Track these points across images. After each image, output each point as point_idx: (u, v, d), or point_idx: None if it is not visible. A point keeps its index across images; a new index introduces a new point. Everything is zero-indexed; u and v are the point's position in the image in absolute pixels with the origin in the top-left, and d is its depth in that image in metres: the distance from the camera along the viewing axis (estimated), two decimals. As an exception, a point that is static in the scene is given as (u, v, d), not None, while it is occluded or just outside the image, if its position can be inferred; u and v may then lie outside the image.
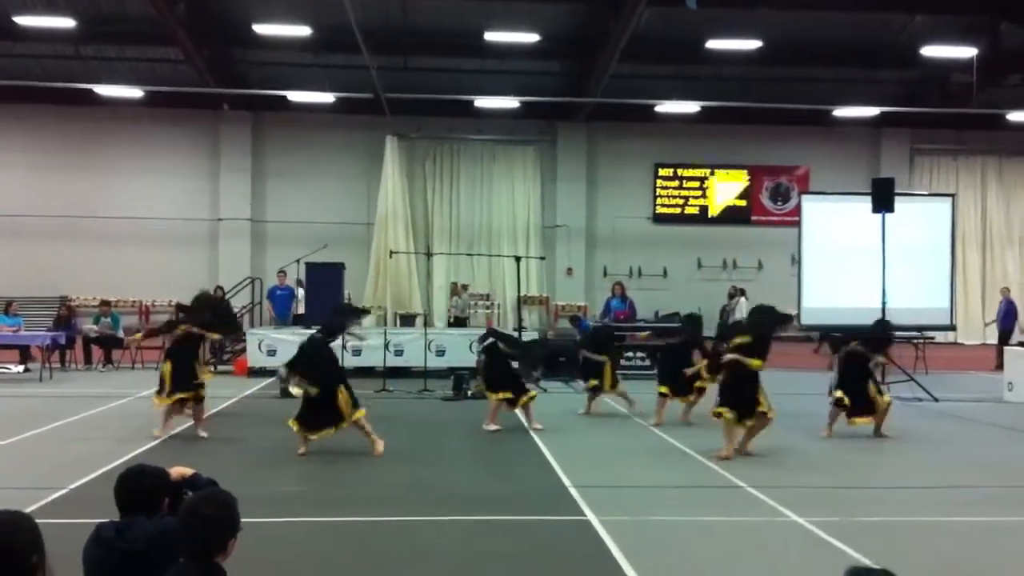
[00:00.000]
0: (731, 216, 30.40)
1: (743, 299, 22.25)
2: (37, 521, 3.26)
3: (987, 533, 7.60)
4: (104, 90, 26.69)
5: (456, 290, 24.53)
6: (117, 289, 26.65)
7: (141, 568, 3.64)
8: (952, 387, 17.43)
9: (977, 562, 6.89)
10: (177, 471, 4.03)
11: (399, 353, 18.87)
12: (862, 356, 12.49)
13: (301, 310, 21.10)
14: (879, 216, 16.52)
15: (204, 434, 11.75)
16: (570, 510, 8.03)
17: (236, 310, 21.60)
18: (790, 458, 10.80)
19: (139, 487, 3.86)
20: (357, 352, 17.86)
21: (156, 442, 10.99)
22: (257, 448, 11.13)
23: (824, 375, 19.80)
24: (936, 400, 15.52)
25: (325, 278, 19.18)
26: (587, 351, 14.49)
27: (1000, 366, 18.88)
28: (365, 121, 28.24)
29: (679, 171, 30.43)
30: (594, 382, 14.20)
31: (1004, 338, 22.25)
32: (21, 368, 18.37)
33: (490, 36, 24.11)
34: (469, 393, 15.79)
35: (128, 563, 3.66)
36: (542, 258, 27.80)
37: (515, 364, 13.21)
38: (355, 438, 11.26)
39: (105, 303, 21.80)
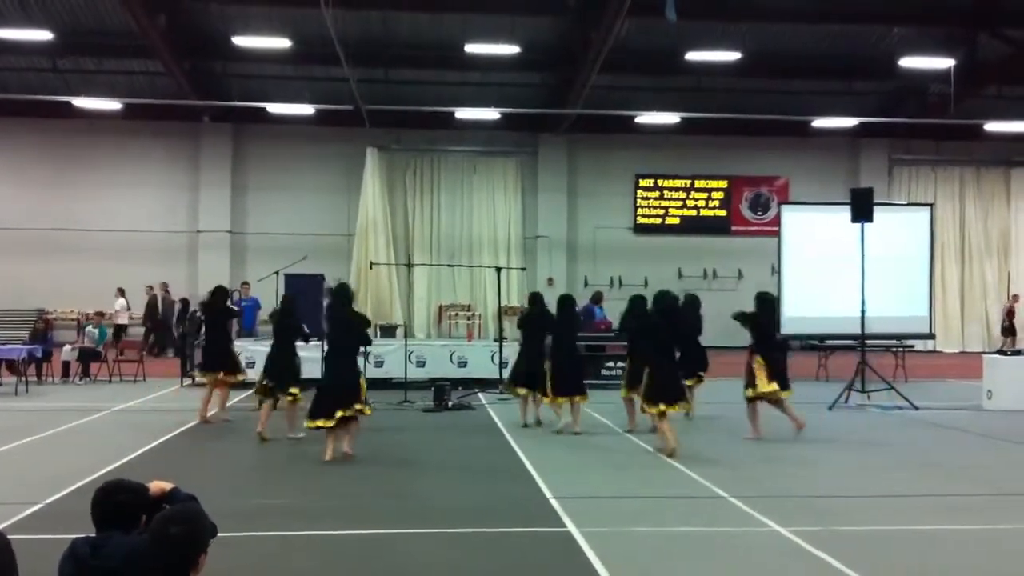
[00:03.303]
0: (711, 226, 30.52)
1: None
2: (12, 537, 3.21)
3: (968, 542, 7.60)
4: (83, 103, 26.57)
5: None
6: (95, 302, 26.49)
7: None
8: (932, 395, 17.48)
9: (956, 571, 6.88)
10: (156, 486, 3.96)
11: (379, 364, 18.75)
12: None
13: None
14: (858, 226, 16.57)
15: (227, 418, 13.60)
16: (551, 522, 7.98)
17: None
18: (770, 467, 10.78)
19: (116, 502, 3.79)
20: None
21: (134, 456, 10.87)
22: (234, 460, 11.06)
23: (812, 383, 19.91)
24: (916, 408, 15.56)
25: (305, 290, 19.04)
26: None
27: None
28: (345, 133, 28.22)
29: (660, 181, 30.55)
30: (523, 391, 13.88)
31: None
32: (-3, 382, 18.17)
33: (470, 48, 24.14)
34: (451, 404, 15.74)
35: None
36: (523, 269, 27.81)
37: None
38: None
39: (99, 314, 21.62)
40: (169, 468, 9.80)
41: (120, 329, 22.41)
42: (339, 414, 10.73)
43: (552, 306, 13.82)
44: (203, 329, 21.19)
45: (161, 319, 22.46)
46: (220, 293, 14.73)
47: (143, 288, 25.72)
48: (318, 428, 10.83)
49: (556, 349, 13.30)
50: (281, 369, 12.59)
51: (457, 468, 10.75)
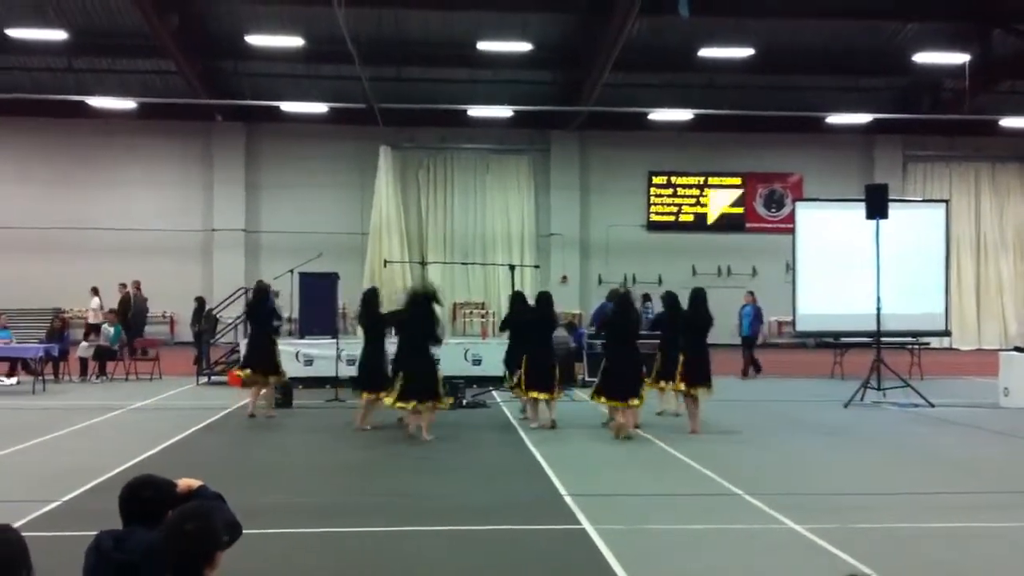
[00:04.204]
0: (725, 223, 30.47)
1: None
2: (29, 534, 3.23)
3: (983, 539, 7.56)
4: (96, 102, 26.69)
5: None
6: (110, 301, 26.62)
7: None
8: (948, 392, 17.39)
9: (972, 568, 6.85)
10: (184, 483, 3.98)
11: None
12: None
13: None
14: (873, 222, 16.50)
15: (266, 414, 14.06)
16: (565, 519, 7.97)
17: (230, 321, 21.86)
18: (785, 464, 10.77)
19: (142, 498, 3.81)
20: (309, 362, 17.98)
21: (148, 454, 10.90)
22: (249, 458, 11.07)
23: (827, 381, 19.84)
24: (932, 405, 15.49)
25: (319, 288, 19.10)
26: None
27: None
28: (358, 131, 28.27)
29: (673, 179, 30.50)
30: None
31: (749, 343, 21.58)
32: (14, 380, 18.28)
33: (482, 46, 24.16)
34: (465, 402, 15.73)
35: (123, 574, 3.63)
36: (536, 266, 27.76)
37: None
38: (350, 448, 11.27)
39: (112, 311, 21.76)
40: (184, 466, 9.82)
41: (93, 328, 22.54)
42: (413, 405, 12.04)
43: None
44: (215, 327, 21.44)
45: (132, 318, 22.64)
46: (262, 292, 14.79)
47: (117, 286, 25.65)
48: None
49: (531, 345, 13.53)
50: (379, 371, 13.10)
51: (472, 466, 10.75)
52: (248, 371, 14.11)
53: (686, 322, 13.29)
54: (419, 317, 12.35)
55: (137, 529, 3.72)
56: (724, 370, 20.24)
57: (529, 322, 13.76)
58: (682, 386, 12.91)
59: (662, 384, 13.82)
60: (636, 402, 12.41)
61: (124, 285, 24.34)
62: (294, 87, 27.21)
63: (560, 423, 13.25)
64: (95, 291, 24.38)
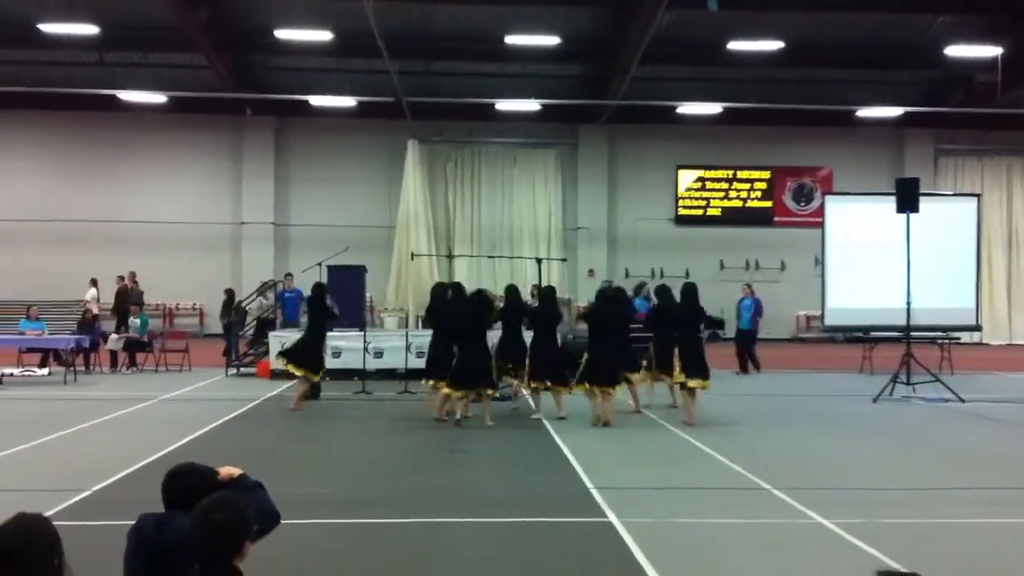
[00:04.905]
0: (754, 217, 30.31)
1: None
2: (61, 523, 3.27)
3: (1012, 534, 7.50)
4: (127, 96, 26.90)
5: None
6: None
7: (171, 564, 3.65)
8: (978, 387, 17.25)
9: (1003, 564, 6.80)
10: (226, 471, 4.02)
11: (421, 355, 18.76)
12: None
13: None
14: (903, 216, 16.36)
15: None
16: (592, 512, 7.98)
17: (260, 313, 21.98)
18: (813, 459, 10.72)
19: (183, 487, 3.86)
20: (337, 354, 17.95)
21: (177, 445, 10.98)
22: (278, 450, 11.12)
23: (856, 375, 19.72)
24: (962, 400, 15.36)
25: (347, 281, 19.16)
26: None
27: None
28: (386, 125, 28.34)
29: (701, 172, 30.36)
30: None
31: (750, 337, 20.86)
32: (45, 371, 18.48)
33: (510, 39, 24.15)
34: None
35: (161, 557, 3.68)
36: (563, 260, 27.74)
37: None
38: (377, 440, 11.31)
39: (135, 304, 21.99)
40: (213, 457, 9.88)
41: (93, 319, 22.76)
42: (464, 393, 12.71)
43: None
44: (244, 319, 21.55)
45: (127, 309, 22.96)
46: (320, 291, 14.84)
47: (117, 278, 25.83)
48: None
49: (534, 337, 13.81)
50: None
51: (498, 458, 10.77)
52: (291, 365, 14.19)
53: (675, 316, 13.42)
54: (473, 307, 13.15)
55: (178, 514, 3.78)
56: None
57: (532, 316, 14.11)
58: (681, 377, 12.95)
59: (660, 376, 13.94)
60: (613, 390, 12.92)
61: (121, 277, 24.58)
62: (323, 81, 27.31)
63: (580, 417, 13.27)
64: (93, 282, 24.60)
